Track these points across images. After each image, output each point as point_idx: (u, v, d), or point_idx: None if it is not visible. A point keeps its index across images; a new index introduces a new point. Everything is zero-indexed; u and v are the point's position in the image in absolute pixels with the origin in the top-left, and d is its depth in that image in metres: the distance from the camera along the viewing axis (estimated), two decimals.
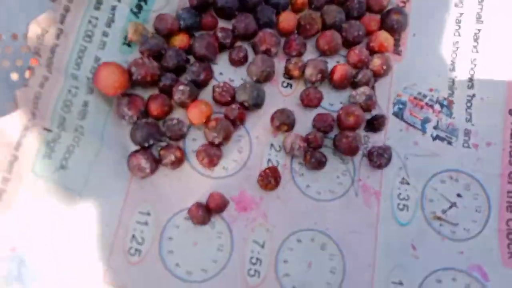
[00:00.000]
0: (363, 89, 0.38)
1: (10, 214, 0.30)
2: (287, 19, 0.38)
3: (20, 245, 0.31)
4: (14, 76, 0.32)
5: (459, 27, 0.40)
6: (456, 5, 0.40)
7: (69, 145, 0.33)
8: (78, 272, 0.32)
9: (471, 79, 0.39)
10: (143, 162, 0.34)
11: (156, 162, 0.35)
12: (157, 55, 0.36)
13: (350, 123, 0.37)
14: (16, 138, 0.31)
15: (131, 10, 0.36)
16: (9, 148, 0.31)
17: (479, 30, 0.40)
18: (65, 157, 0.32)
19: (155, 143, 0.35)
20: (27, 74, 0.32)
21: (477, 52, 0.40)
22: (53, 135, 0.32)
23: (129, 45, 0.36)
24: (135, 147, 0.35)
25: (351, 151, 0.36)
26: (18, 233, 0.31)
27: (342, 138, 0.36)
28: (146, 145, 0.34)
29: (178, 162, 0.35)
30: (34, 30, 0.32)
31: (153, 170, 0.35)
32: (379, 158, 0.36)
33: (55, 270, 0.31)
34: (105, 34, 0.35)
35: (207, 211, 0.34)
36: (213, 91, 0.37)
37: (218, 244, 0.35)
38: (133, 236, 0.34)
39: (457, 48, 0.40)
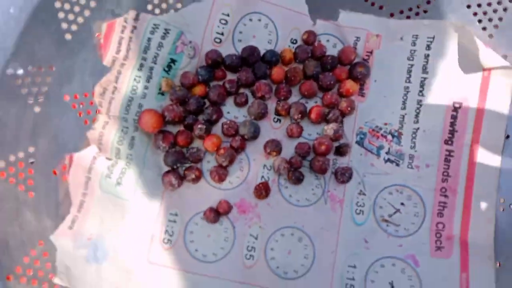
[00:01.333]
0: (332, 125, 0.51)
1: (88, 216, 0.46)
2: (277, 72, 0.51)
3: (94, 235, 0.46)
4: (86, 122, 0.47)
5: (410, 75, 0.52)
6: (408, 59, 0.52)
7: (123, 168, 0.48)
8: (131, 253, 0.48)
9: (416, 116, 0.51)
10: (173, 179, 0.48)
11: (181, 179, 0.50)
12: (182, 102, 0.50)
13: (322, 151, 0.50)
14: (88, 165, 0.46)
15: (164, 69, 0.50)
16: (84, 171, 0.46)
17: (425, 78, 0.51)
18: (120, 177, 0.48)
19: (181, 165, 0.50)
20: (94, 120, 0.47)
21: (422, 95, 0.51)
22: (112, 162, 0.47)
23: (162, 94, 0.51)
24: (166, 168, 0.50)
25: (322, 171, 0.50)
26: (92, 227, 0.46)
27: (315, 161, 0.50)
28: (175, 167, 0.49)
29: (197, 179, 0.49)
30: (98, 90, 0.47)
31: (179, 185, 0.49)
32: (342, 176, 0.50)
33: (117, 251, 0.47)
34: (145, 87, 0.50)
35: (217, 214, 0.49)
36: (222, 126, 0.50)
37: (224, 236, 0.49)
38: (166, 230, 0.49)
39: (407, 92, 0.51)
